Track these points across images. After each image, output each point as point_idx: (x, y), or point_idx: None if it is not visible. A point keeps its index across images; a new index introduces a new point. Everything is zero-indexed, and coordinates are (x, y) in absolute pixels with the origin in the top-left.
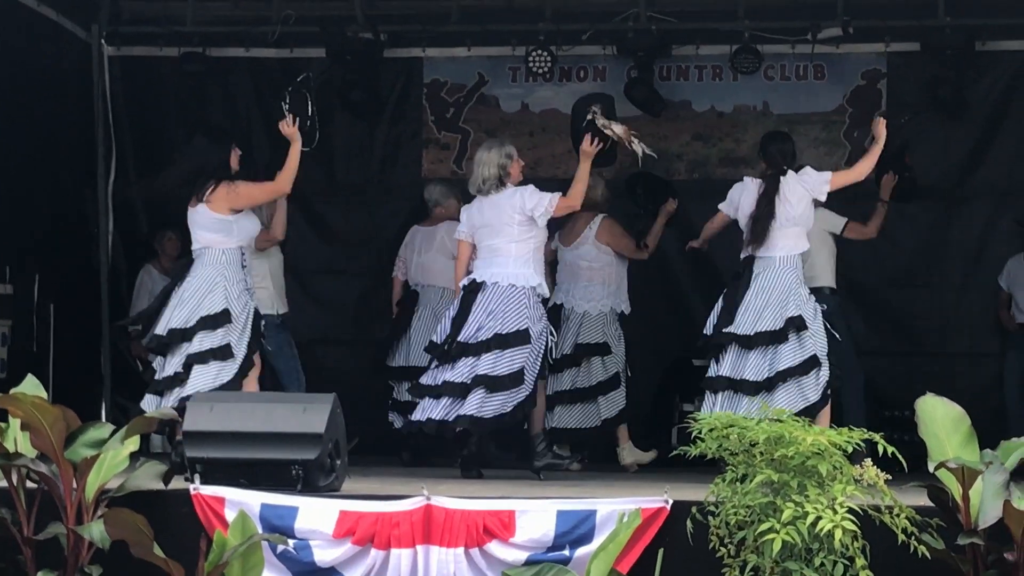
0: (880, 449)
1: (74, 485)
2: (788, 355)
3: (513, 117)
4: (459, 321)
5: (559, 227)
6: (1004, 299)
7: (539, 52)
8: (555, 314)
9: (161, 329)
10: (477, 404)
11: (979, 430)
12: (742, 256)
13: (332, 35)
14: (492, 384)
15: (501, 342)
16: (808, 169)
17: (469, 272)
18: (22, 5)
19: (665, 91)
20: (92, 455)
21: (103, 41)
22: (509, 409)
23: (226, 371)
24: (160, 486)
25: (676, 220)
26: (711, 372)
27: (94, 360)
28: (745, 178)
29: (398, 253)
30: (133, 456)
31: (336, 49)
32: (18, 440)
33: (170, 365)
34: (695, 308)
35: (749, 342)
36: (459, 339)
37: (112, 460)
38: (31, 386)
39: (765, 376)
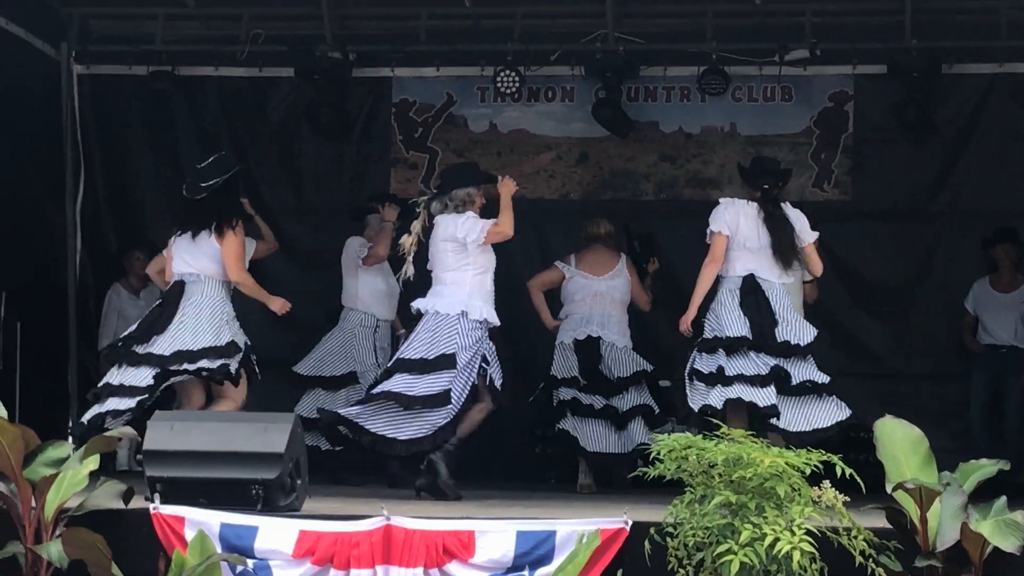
0: (838, 471)
1: (33, 504)
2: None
3: (481, 137)
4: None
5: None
6: (970, 322)
7: (507, 72)
8: (592, 347)
9: (161, 349)
10: (390, 422)
11: (944, 452)
12: (739, 275)
13: (301, 54)
14: (409, 401)
15: (425, 366)
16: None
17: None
18: None
19: (633, 112)
20: (51, 474)
21: (72, 59)
22: (428, 432)
23: None
24: (120, 505)
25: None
26: (748, 370)
27: (61, 378)
28: (726, 200)
29: None
30: (94, 475)
31: (305, 68)
32: None
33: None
34: (663, 330)
35: (789, 351)
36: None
37: (72, 479)
38: None
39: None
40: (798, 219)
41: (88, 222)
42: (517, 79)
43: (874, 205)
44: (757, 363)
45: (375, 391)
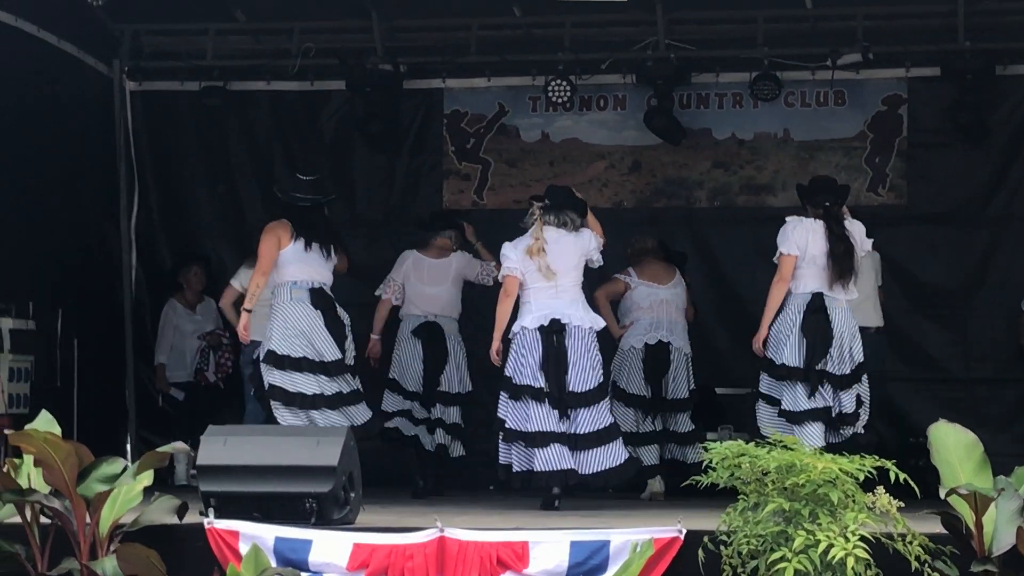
0: (893, 476)
1: (87, 520)
2: (850, 400)
3: (533, 147)
4: (556, 367)
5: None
6: None
7: (558, 82)
8: (662, 352)
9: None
10: (615, 454)
11: (1007, 457)
12: (808, 291)
13: (352, 67)
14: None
15: (603, 391)
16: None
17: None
18: (43, 41)
19: (685, 119)
20: (105, 490)
21: (124, 76)
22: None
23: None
24: (174, 520)
25: (699, 248)
26: (800, 405)
27: (118, 394)
28: (793, 218)
29: (391, 275)
30: (147, 491)
31: (356, 81)
32: (31, 476)
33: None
34: (719, 338)
35: (840, 381)
36: (571, 389)
37: (126, 495)
38: (45, 422)
39: (849, 410)
40: (860, 233)
41: (143, 238)
42: (568, 88)
43: (929, 209)
44: (807, 397)
45: (592, 430)
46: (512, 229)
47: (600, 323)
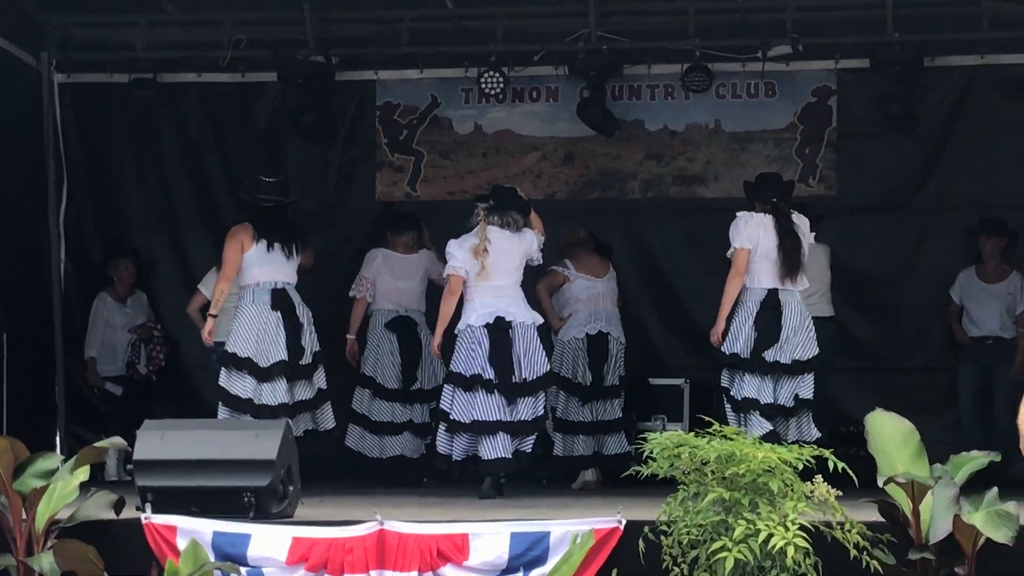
0: (831, 465)
1: (23, 516)
2: (807, 386)
3: (466, 139)
4: (503, 359)
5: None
6: (955, 312)
7: (491, 73)
8: (602, 342)
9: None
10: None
11: (937, 444)
12: (764, 287)
13: (284, 59)
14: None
15: (548, 380)
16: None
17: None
18: None
19: (618, 111)
20: (41, 486)
21: (53, 68)
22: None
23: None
24: (111, 516)
25: (632, 239)
26: (746, 393)
27: (48, 389)
28: (743, 213)
29: (362, 274)
30: (84, 486)
31: (288, 73)
32: None
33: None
34: (652, 328)
35: (789, 370)
36: (523, 377)
37: (62, 490)
38: None
39: (792, 403)
40: (805, 226)
41: (72, 232)
42: (501, 80)
43: (859, 199)
44: (758, 385)
45: (529, 416)
46: (446, 221)
47: (540, 319)
